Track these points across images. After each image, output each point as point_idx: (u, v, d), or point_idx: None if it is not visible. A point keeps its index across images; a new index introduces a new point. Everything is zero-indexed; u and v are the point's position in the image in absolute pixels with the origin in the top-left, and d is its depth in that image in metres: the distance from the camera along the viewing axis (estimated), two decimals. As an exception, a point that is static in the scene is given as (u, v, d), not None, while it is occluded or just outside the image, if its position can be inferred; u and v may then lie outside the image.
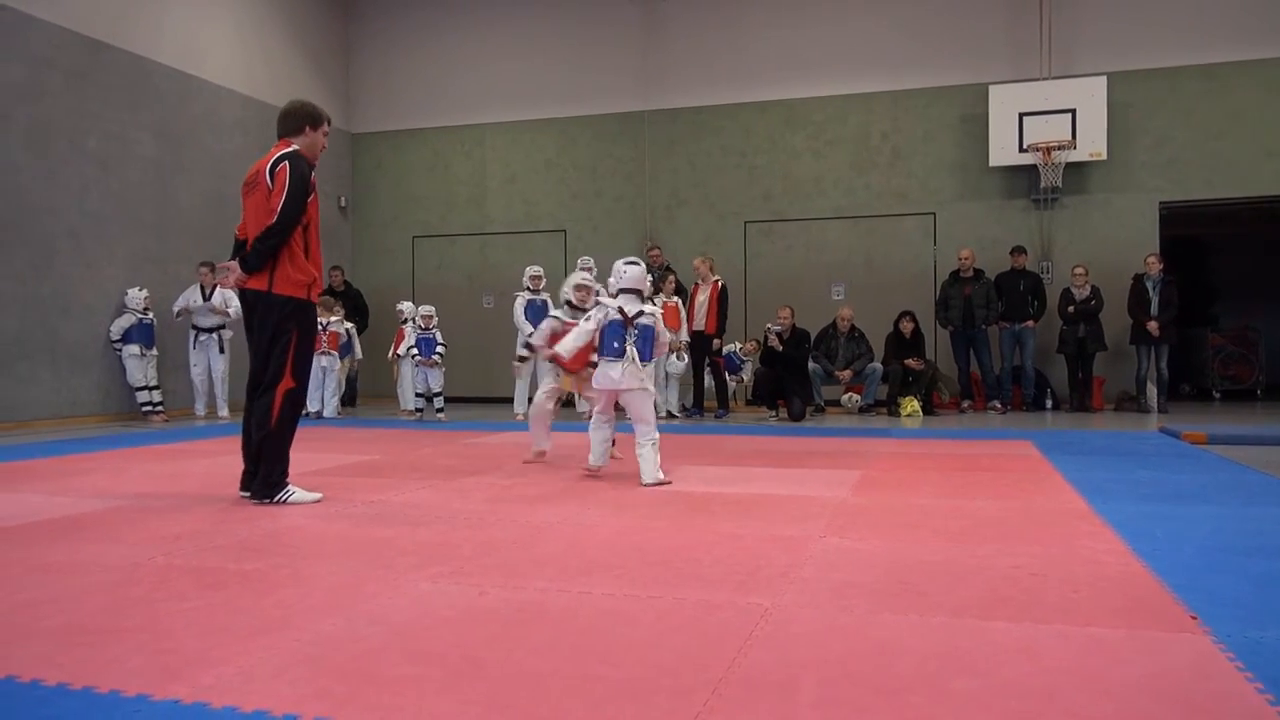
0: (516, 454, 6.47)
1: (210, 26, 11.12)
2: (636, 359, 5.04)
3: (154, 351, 9.70)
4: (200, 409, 10.18)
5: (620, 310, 5.13)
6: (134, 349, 9.52)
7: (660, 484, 4.93)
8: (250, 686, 2.01)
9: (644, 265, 5.44)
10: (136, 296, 9.57)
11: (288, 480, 4.48)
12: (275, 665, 2.15)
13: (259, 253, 4.35)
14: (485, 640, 2.33)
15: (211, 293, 9.98)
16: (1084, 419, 9.48)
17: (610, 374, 5.05)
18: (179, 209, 10.58)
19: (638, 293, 5.23)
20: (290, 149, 4.51)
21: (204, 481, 5.21)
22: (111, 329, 9.60)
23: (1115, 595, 2.73)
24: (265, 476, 4.41)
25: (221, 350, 10.22)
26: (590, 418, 5.38)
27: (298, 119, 4.62)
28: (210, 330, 10.16)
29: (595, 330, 5.21)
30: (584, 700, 1.94)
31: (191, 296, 10.09)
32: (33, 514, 4.17)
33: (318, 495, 4.53)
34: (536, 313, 9.87)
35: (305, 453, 6.58)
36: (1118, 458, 6.12)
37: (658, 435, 5.07)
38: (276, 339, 4.42)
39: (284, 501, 4.40)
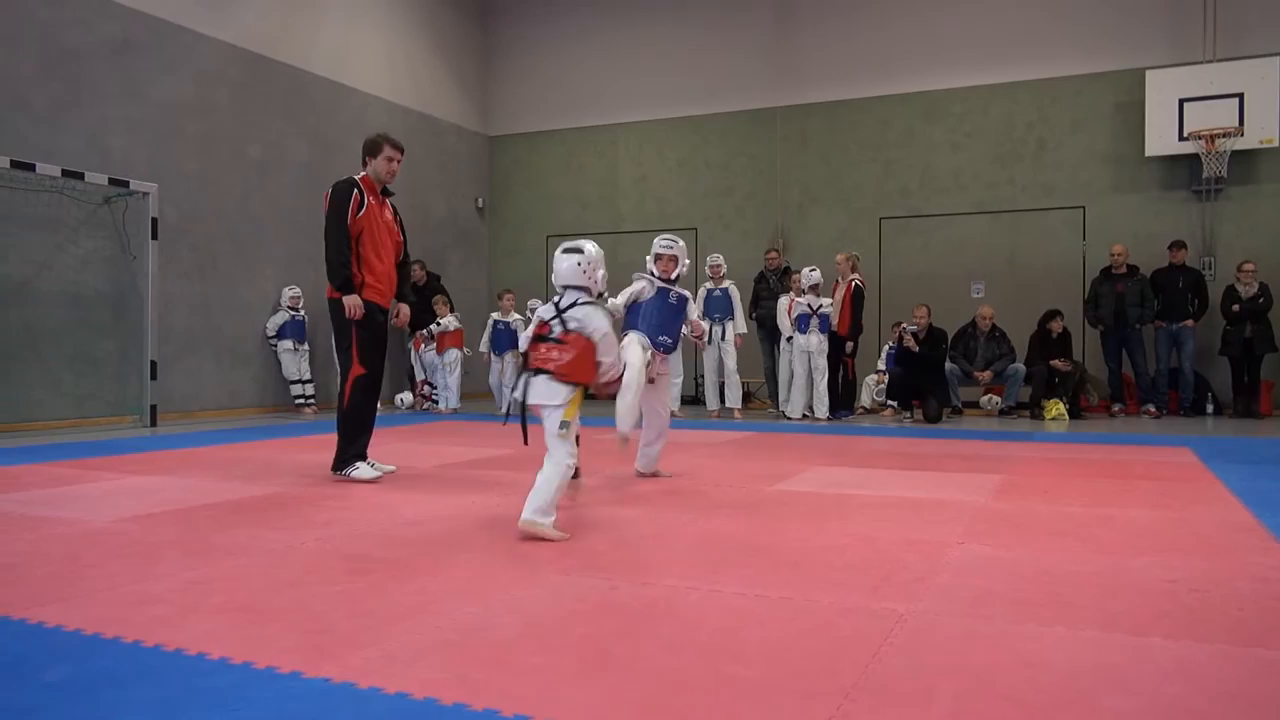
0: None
1: (359, 37, 11.65)
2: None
3: (306, 347, 10.26)
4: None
5: None
6: (288, 344, 10.10)
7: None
8: (393, 669, 2.10)
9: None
10: (289, 295, 10.15)
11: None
12: (416, 650, 2.24)
13: None
14: (616, 634, 2.36)
15: None
16: (1250, 425, 8.83)
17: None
18: (329, 212, 11.10)
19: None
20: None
21: (351, 471, 5.46)
22: (267, 325, 10.20)
23: (1286, 616, 2.53)
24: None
25: None
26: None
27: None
28: None
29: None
30: (712, 699, 1.93)
31: None
32: (198, 498, 4.48)
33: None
34: (667, 311, 9.89)
35: (444, 446, 6.83)
36: (1289, 468, 5.68)
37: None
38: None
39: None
